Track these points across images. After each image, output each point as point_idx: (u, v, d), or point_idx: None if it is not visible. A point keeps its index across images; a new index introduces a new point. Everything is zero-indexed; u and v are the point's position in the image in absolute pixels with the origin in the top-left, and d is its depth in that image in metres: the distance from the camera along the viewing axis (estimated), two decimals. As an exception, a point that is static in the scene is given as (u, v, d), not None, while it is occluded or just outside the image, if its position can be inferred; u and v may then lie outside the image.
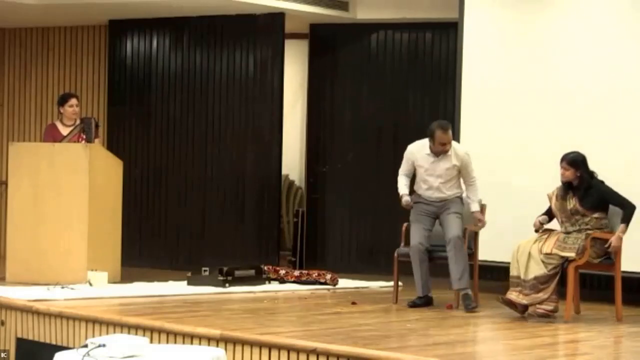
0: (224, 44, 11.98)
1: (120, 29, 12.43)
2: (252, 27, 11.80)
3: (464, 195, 9.03)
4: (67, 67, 12.87)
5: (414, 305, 8.78)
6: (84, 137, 10.05)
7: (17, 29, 13.07)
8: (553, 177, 9.64)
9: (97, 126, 10.28)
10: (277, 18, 11.64)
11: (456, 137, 10.22)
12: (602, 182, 8.46)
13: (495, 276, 10.40)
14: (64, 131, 10.18)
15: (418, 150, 9.02)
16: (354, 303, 8.91)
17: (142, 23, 12.28)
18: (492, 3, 10.22)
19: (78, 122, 10.26)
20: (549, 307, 8.17)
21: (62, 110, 10.28)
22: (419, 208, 8.98)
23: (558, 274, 8.19)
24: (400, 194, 8.97)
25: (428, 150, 8.92)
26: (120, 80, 12.47)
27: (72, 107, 10.22)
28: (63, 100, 10.34)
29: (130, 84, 12.42)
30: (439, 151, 8.86)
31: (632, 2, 9.45)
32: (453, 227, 8.77)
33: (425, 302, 8.83)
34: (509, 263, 9.69)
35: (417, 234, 8.87)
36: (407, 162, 9.10)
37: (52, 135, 10.23)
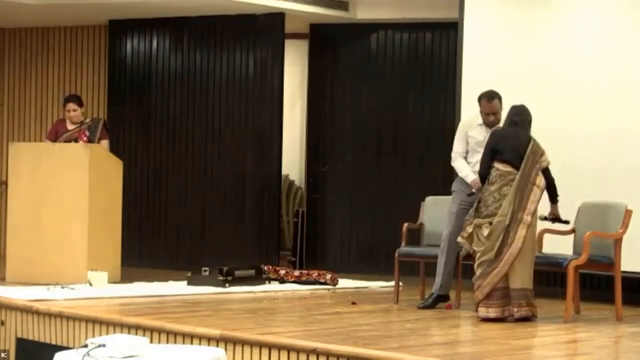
0: (224, 44, 11.98)
1: (120, 29, 12.43)
2: (252, 27, 11.80)
3: None
4: (67, 67, 12.87)
5: (427, 306, 8.64)
6: (88, 134, 10.07)
7: (17, 29, 13.07)
8: (553, 175, 9.65)
9: (107, 129, 10.29)
10: (277, 18, 11.64)
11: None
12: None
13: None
14: (70, 127, 10.20)
15: (471, 121, 8.68)
16: (354, 303, 8.91)
17: (142, 23, 12.28)
18: (492, 3, 10.22)
19: (87, 120, 10.28)
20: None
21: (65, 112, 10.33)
22: (460, 197, 8.60)
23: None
24: (464, 175, 8.56)
25: (480, 121, 8.59)
26: (120, 80, 12.47)
27: (69, 113, 10.23)
28: (63, 104, 10.41)
29: (130, 84, 12.43)
30: (488, 122, 8.49)
31: (632, 1, 9.45)
32: None
33: (437, 301, 8.68)
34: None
35: (456, 227, 8.50)
36: (460, 134, 8.69)
37: (56, 129, 10.26)
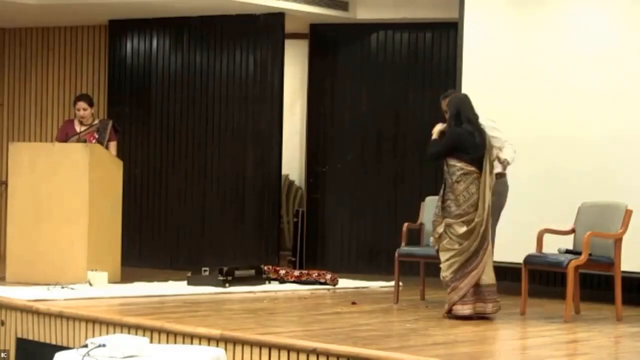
0: (224, 44, 11.98)
1: (120, 29, 12.43)
2: (252, 27, 11.80)
3: None
4: (67, 67, 12.87)
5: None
6: (97, 136, 10.07)
7: (17, 29, 13.07)
8: (553, 176, 9.67)
9: (116, 130, 10.29)
10: (277, 18, 11.64)
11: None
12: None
13: (495, 276, 10.39)
14: (79, 129, 10.19)
15: None
16: (354, 303, 8.91)
17: (142, 23, 12.28)
18: (492, 3, 10.23)
19: (96, 122, 10.28)
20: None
21: (75, 111, 10.33)
22: None
23: None
24: None
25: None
26: (120, 80, 12.47)
27: (79, 112, 10.22)
28: (73, 103, 10.40)
29: (130, 84, 12.43)
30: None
31: (632, 0, 9.46)
32: None
33: None
34: (508, 263, 9.72)
35: None
36: None
37: (65, 131, 10.25)
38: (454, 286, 8.07)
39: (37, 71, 13.02)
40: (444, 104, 8.62)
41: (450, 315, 8.10)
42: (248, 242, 11.76)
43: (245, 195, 11.84)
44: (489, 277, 8.13)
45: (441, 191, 8.28)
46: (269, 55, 11.77)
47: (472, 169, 8.13)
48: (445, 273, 8.11)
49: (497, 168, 8.61)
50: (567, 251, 8.36)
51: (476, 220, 8.05)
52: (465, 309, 8.06)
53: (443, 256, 8.14)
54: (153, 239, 12.18)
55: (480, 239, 8.05)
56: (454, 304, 8.07)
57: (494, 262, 9.39)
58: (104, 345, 5.49)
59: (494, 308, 8.15)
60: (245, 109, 11.88)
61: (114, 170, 10.14)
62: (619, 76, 9.41)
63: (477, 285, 8.08)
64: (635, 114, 9.31)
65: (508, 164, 8.70)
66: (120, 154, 10.41)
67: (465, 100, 8.33)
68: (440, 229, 8.17)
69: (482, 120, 8.49)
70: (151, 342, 6.48)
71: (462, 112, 8.23)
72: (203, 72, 12.06)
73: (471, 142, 8.15)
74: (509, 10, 10.11)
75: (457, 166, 8.15)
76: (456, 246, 8.08)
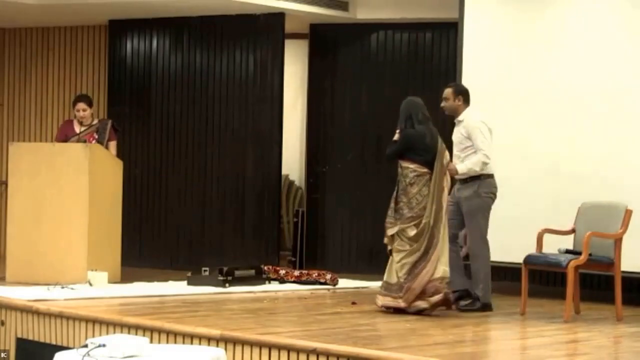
0: (224, 44, 11.98)
1: (120, 29, 12.43)
2: (252, 27, 11.80)
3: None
4: (67, 67, 12.87)
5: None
6: (97, 137, 10.07)
7: (17, 29, 13.07)
8: (553, 176, 9.67)
9: (116, 130, 10.29)
10: (277, 18, 11.64)
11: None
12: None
13: (495, 276, 10.39)
14: (79, 129, 10.19)
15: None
16: (354, 303, 8.91)
17: (142, 23, 12.28)
18: (492, 3, 10.23)
19: (96, 122, 10.28)
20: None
21: (74, 112, 10.32)
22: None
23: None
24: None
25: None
26: (120, 80, 12.47)
27: (79, 112, 10.21)
28: (73, 104, 10.39)
29: (130, 84, 12.43)
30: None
31: (632, 0, 9.46)
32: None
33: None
34: (508, 263, 9.72)
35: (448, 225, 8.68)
36: None
37: (64, 132, 10.25)
38: (408, 287, 8.25)
39: (37, 71, 13.02)
40: (449, 92, 8.75)
41: (410, 310, 8.26)
42: (248, 242, 11.76)
43: (245, 195, 11.83)
44: (442, 270, 8.25)
45: (394, 192, 8.43)
46: (269, 55, 11.77)
47: (425, 170, 8.30)
48: (400, 274, 8.29)
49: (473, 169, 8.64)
50: (567, 251, 8.37)
51: (424, 221, 8.23)
52: (422, 304, 8.23)
53: (396, 257, 8.33)
54: (153, 239, 12.18)
55: (428, 238, 8.22)
56: (411, 303, 8.25)
57: (494, 262, 9.42)
58: (104, 345, 5.49)
59: (437, 297, 8.26)
60: (245, 109, 11.88)
61: (114, 170, 10.14)
62: (620, 75, 9.41)
63: (430, 281, 8.22)
64: (636, 113, 9.31)
65: (456, 173, 8.61)
66: (120, 154, 10.41)
67: (417, 102, 8.54)
68: (391, 232, 8.35)
69: (475, 119, 8.60)
70: (151, 342, 6.48)
71: (414, 114, 8.44)
72: (203, 72, 12.06)
73: (422, 144, 8.34)
74: (508, 10, 10.11)
75: (410, 168, 8.33)
76: (407, 247, 8.28)
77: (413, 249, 8.24)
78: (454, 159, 8.68)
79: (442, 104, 8.84)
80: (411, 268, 8.24)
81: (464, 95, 8.80)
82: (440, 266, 8.23)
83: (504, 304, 9.06)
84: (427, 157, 8.31)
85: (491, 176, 8.75)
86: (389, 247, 8.44)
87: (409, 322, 7.89)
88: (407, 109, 8.48)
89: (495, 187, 8.78)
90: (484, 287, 8.61)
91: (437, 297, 8.22)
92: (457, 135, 8.81)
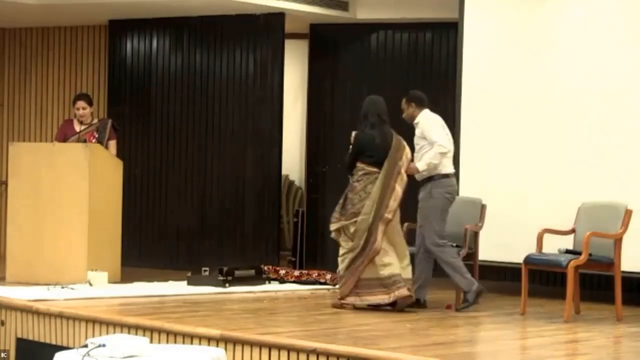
0: (224, 44, 11.98)
1: (120, 29, 12.43)
2: (252, 27, 11.80)
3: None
4: (67, 67, 12.87)
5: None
6: (97, 136, 10.07)
7: (17, 29, 13.07)
8: (553, 176, 9.67)
9: (115, 129, 10.28)
10: (277, 18, 11.64)
11: (456, 136, 10.24)
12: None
13: (495, 276, 10.41)
14: (78, 128, 10.19)
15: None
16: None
17: (142, 23, 12.28)
18: (492, 3, 10.23)
19: (95, 121, 10.28)
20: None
21: (74, 111, 10.32)
22: None
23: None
24: None
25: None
26: (120, 80, 12.48)
27: (78, 111, 10.21)
28: (73, 102, 10.39)
29: (130, 84, 12.43)
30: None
31: (632, 0, 9.46)
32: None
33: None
34: (508, 263, 9.72)
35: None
36: None
37: (64, 131, 10.25)
38: (344, 281, 8.50)
39: (37, 71, 13.02)
40: (403, 102, 8.93)
41: (342, 305, 8.46)
42: (248, 242, 11.76)
43: (245, 195, 11.83)
44: (374, 271, 8.38)
45: (346, 190, 8.67)
46: (269, 55, 11.77)
47: (374, 169, 8.52)
48: (340, 267, 8.56)
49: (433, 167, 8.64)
50: (567, 251, 8.37)
51: (361, 217, 8.42)
52: (364, 301, 8.45)
53: (340, 251, 8.59)
54: (153, 239, 12.18)
55: (366, 236, 8.40)
56: (346, 296, 8.45)
57: (494, 262, 9.43)
58: (104, 345, 5.49)
59: (386, 298, 8.37)
60: (245, 109, 11.88)
61: (114, 170, 10.14)
62: (620, 75, 9.40)
63: (372, 279, 8.40)
64: (636, 113, 9.30)
65: (417, 171, 8.63)
66: (120, 154, 10.41)
67: (375, 102, 8.72)
68: (334, 227, 8.61)
69: (427, 117, 8.75)
70: (151, 342, 6.48)
71: (369, 114, 8.65)
72: (203, 72, 12.06)
73: (372, 145, 8.55)
74: (508, 10, 10.11)
75: (359, 167, 8.58)
76: (349, 244, 8.51)
77: (352, 246, 8.47)
78: (415, 161, 8.73)
79: (403, 116, 8.93)
80: (350, 263, 8.48)
81: (415, 100, 8.90)
82: (380, 266, 8.38)
83: (504, 304, 9.06)
84: (377, 158, 8.51)
85: (447, 175, 8.69)
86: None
87: (409, 322, 7.89)
88: (365, 109, 8.68)
89: (452, 187, 8.73)
90: (460, 278, 8.57)
91: (372, 298, 8.40)
92: (415, 138, 8.85)
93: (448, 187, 8.66)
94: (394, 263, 8.38)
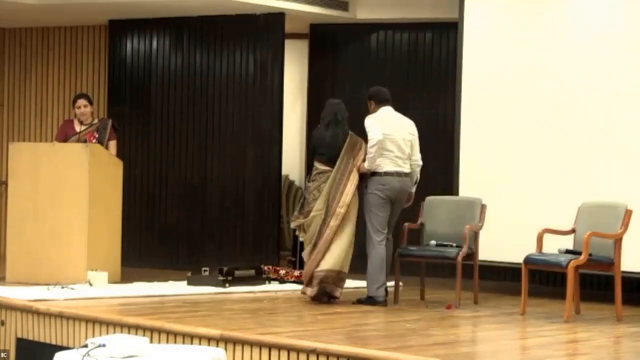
0: (224, 44, 11.98)
1: (120, 29, 12.43)
2: (252, 27, 11.80)
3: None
4: (67, 67, 12.87)
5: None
6: (97, 136, 10.07)
7: (17, 29, 13.07)
8: (554, 176, 9.67)
9: (115, 129, 10.29)
10: (277, 18, 11.64)
11: (456, 136, 10.25)
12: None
13: (495, 276, 10.41)
14: (79, 128, 10.19)
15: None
16: (354, 303, 8.91)
17: (142, 23, 12.28)
18: (492, 3, 10.23)
19: (96, 121, 10.28)
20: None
21: (74, 110, 10.32)
22: None
23: None
24: None
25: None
26: (120, 80, 12.47)
27: (79, 109, 10.21)
28: (73, 102, 10.39)
29: (130, 84, 12.42)
30: None
31: (632, 0, 9.46)
32: None
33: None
34: (509, 263, 9.73)
35: None
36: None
37: (64, 131, 10.25)
38: (304, 273, 8.95)
39: (37, 71, 13.02)
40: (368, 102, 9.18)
41: (303, 294, 8.93)
42: (248, 242, 11.76)
43: (245, 195, 11.83)
44: (332, 264, 8.72)
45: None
46: (269, 55, 11.77)
47: (327, 168, 8.84)
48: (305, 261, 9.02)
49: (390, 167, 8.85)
50: (567, 251, 8.37)
51: (312, 214, 8.78)
52: (310, 291, 8.82)
53: (304, 246, 8.95)
54: (153, 239, 12.17)
55: (318, 232, 8.73)
56: (305, 287, 8.90)
57: (494, 262, 9.43)
58: (104, 345, 5.49)
59: (333, 291, 8.82)
60: (245, 108, 11.88)
61: (114, 170, 10.14)
62: (620, 75, 9.41)
63: (321, 271, 8.73)
64: (636, 112, 9.30)
65: (366, 170, 8.86)
66: (120, 153, 10.41)
67: (333, 104, 9.12)
68: (293, 225, 9.04)
69: (372, 118, 9.00)
70: (151, 342, 6.48)
71: (326, 115, 9.04)
72: (203, 72, 12.06)
73: (322, 144, 8.92)
74: (508, 10, 10.11)
75: (315, 166, 8.95)
76: (307, 239, 8.86)
77: (306, 241, 8.87)
78: None
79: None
80: (307, 257, 8.85)
81: (373, 98, 9.16)
82: (329, 258, 8.71)
83: (504, 304, 9.06)
84: (329, 156, 8.85)
85: (380, 174, 8.88)
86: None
87: (409, 322, 7.90)
88: (324, 110, 9.11)
89: (383, 185, 8.87)
90: (371, 280, 8.83)
91: (317, 288, 8.75)
92: None
93: (379, 185, 8.88)
94: (343, 257, 8.73)
